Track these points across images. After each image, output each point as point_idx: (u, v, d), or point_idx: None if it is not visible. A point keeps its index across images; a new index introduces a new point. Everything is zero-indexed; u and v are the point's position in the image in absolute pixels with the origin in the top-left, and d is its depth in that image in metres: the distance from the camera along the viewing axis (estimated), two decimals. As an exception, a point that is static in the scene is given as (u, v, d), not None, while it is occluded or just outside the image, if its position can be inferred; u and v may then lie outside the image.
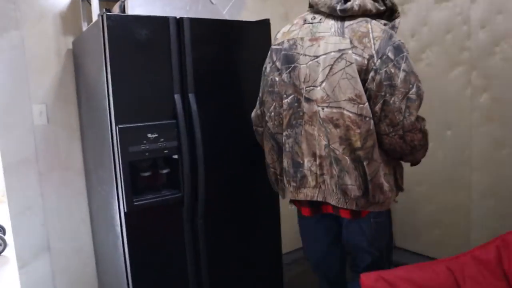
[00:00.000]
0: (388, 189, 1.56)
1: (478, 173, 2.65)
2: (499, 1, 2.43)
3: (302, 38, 1.61)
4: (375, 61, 1.45)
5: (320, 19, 1.60)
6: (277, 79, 1.66)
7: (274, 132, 1.73)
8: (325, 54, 1.51)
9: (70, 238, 2.35)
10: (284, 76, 1.63)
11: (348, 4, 1.53)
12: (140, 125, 1.72)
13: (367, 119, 1.47)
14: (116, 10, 2.04)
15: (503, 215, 2.55)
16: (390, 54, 1.45)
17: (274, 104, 1.69)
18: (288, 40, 1.66)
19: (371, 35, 1.47)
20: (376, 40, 1.46)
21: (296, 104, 1.61)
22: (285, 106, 1.64)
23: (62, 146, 2.28)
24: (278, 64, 1.66)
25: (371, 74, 1.46)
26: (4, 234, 3.81)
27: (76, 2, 2.22)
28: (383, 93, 1.46)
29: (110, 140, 1.72)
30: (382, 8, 1.61)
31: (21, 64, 2.13)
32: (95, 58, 1.81)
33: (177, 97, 1.80)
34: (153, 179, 1.86)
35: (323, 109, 1.52)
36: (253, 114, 1.89)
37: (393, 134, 1.51)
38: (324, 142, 1.55)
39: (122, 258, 1.80)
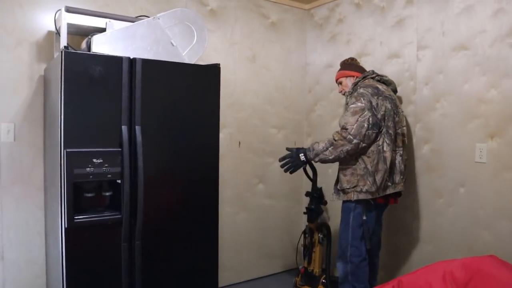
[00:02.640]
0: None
1: (419, 219, 2.81)
2: (441, 62, 2.67)
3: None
4: None
5: None
6: None
7: None
8: None
9: (25, 249, 2.50)
10: None
11: None
12: (86, 151, 1.92)
13: None
14: (83, 45, 2.28)
15: (438, 260, 2.67)
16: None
17: None
18: None
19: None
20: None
21: None
22: None
23: (26, 162, 2.47)
24: None
25: None
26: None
27: (52, 34, 2.47)
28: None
29: (59, 161, 1.91)
30: None
31: (-6, 86, 2.35)
32: (55, 86, 2.03)
33: (124, 128, 2.00)
34: (97, 200, 2.03)
35: None
36: None
37: None
38: None
39: (61, 271, 1.95)
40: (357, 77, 2.71)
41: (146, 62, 2.06)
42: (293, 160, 2.57)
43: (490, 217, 2.43)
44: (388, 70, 2.97)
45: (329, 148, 2.41)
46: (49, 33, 2.50)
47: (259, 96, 3.41)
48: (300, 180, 3.70)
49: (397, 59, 2.94)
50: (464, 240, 2.55)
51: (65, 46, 1.89)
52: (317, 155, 2.46)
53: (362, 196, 2.44)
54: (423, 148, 2.79)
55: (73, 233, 1.92)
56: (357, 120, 2.37)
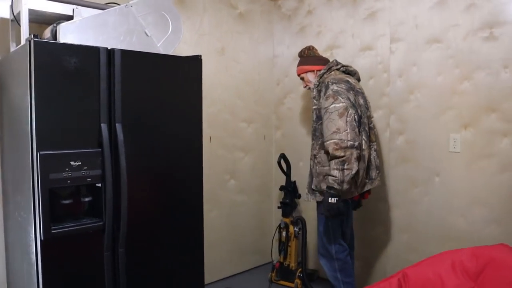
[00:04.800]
0: None
1: (394, 209, 2.87)
2: (414, 54, 2.72)
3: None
4: None
5: None
6: None
7: None
8: None
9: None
10: None
11: None
12: (63, 152, 1.71)
13: None
14: (47, 34, 2.03)
15: (415, 249, 2.76)
16: None
17: None
18: None
19: None
20: None
21: None
22: None
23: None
24: None
25: None
26: None
27: (5, 22, 2.18)
28: None
29: (31, 165, 1.69)
30: None
31: None
32: (20, 82, 1.78)
33: (103, 126, 1.81)
34: (75, 207, 1.83)
35: None
36: None
37: None
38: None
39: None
40: (318, 70, 2.61)
41: (125, 53, 1.88)
42: (333, 211, 2.26)
43: (464, 204, 2.53)
44: (361, 63, 2.98)
45: (345, 167, 2.21)
46: (2, 21, 2.21)
47: (229, 90, 3.30)
48: (270, 174, 3.65)
49: (369, 51, 2.96)
50: (439, 228, 2.64)
51: (34, 35, 1.66)
52: (342, 183, 2.22)
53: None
54: (397, 140, 2.84)
55: (50, 246, 1.71)
56: (346, 122, 2.25)
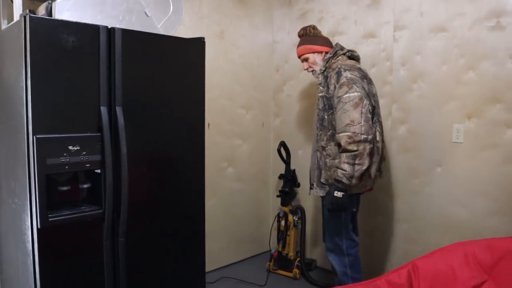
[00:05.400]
0: None
1: (395, 199, 2.84)
2: (418, 43, 2.67)
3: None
4: None
5: None
6: None
7: None
8: None
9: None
10: None
11: None
12: (60, 136, 1.63)
13: None
14: (41, 11, 1.92)
15: (415, 239, 2.75)
16: None
17: None
18: None
19: None
20: None
21: None
22: None
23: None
24: None
25: None
26: None
27: (-4, -2, 2.07)
28: None
29: (26, 150, 1.60)
30: None
31: None
32: (14, 60, 1.68)
33: (103, 109, 1.73)
34: (73, 193, 1.75)
35: None
36: None
37: None
38: None
39: (32, 278, 1.66)
40: (326, 52, 2.43)
41: (126, 32, 1.79)
42: (337, 205, 2.19)
43: (466, 195, 2.51)
44: (363, 50, 2.92)
45: (356, 162, 2.11)
46: (-8, -4, 2.09)
47: (228, 75, 3.22)
48: (268, 162, 3.60)
49: (372, 39, 2.90)
50: (440, 218, 2.63)
51: (29, 10, 1.55)
52: (351, 178, 2.13)
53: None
54: (399, 129, 2.80)
55: (47, 234, 1.63)
56: (361, 113, 2.11)
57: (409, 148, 2.76)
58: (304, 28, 2.52)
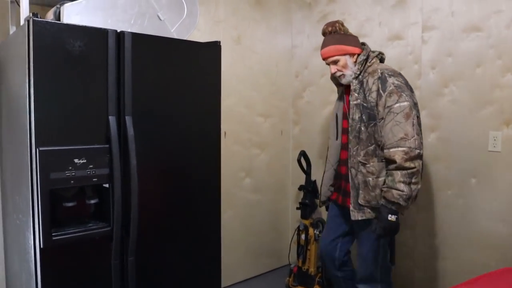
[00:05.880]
0: None
1: (424, 212, 2.64)
2: (449, 44, 2.48)
3: None
4: None
5: None
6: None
7: None
8: None
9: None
10: None
11: None
12: (65, 149, 1.51)
13: None
14: (50, 16, 1.83)
15: (447, 256, 2.54)
16: None
17: None
18: None
19: None
20: None
21: None
22: None
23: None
24: None
25: None
26: None
27: (4, 3, 1.98)
28: None
29: (29, 164, 1.49)
30: None
31: None
32: (18, 67, 1.58)
33: (111, 119, 1.61)
34: (79, 210, 1.63)
35: None
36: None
37: None
38: None
39: (35, 301, 1.54)
40: (358, 54, 2.14)
41: (136, 37, 1.67)
42: (390, 228, 1.96)
43: (506, 209, 2.29)
44: (389, 53, 2.75)
45: (413, 181, 1.90)
46: (1, 1, 2.00)
47: (245, 82, 3.08)
48: (287, 172, 3.44)
49: (399, 41, 2.72)
50: (475, 233, 2.42)
51: (33, 13, 1.45)
52: (409, 199, 1.90)
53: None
54: (429, 137, 2.61)
55: (51, 254, 1.51)
56: (413, 125, 1.91)
57: (440, 157, 2.56)
58: (332, 25, 2.17)
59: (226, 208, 2.98)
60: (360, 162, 2.05)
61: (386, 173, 1.98)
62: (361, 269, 2.17)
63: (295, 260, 3.10)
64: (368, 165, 2.03)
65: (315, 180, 3.07)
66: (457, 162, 2.48)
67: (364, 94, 2.05)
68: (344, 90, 2.28)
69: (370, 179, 2.02)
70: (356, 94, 2.08)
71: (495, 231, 2.33)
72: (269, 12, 3.22)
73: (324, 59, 2.20)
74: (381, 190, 1.99)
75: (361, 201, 2.05)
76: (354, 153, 2.08)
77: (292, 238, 3.15)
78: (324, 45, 2.18)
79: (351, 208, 2.09)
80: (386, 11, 2.78)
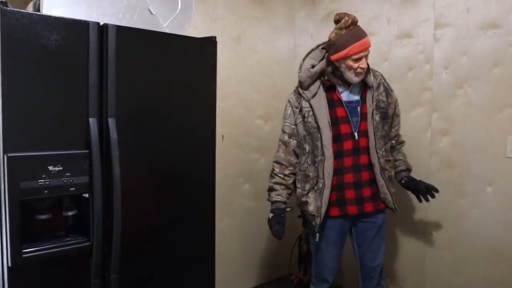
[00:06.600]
0: None
1: (435, 222, 2.47)
2: (464, 42, 2.31)
3: None
4: None
5: None
6: None
7: None
8: None
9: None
10: None
11: None
12: (38, 154, 1.34)
13: None
14: (29, 9, 1.67)
15: (459, 270, 2.36)
16: None
17: None
18: None
19: None
20: None
21: None
22: None
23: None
24: None
25: None
26: None
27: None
28: None
29: (-4, 171, 1.32)
30: None
31: None
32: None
33: (92, 121, 1.44)
34: (54, 223, 1.46)
35: None
36: None
37: None
38: None
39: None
40: None
41: (121, 30, 1.50)
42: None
43: (525, 220, 2.12)
44: (398, 52, 2.58)
45: None
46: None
47: (244, 83, 2.91)
48: (289, 178, 3.26)
49: (409, 39, 2.55)
50: (491, 245, 2.24)
51: (1, 2, 1.29)
52: None
53: None
54: (441, 141, 2.43)
55: (21, 273, 1.34)
56: None
57: (453, 163, 2.38)
58: (353, 17, 1.95)
59: (224, 216, 2.81)
60: (386, 160, 2.13)
61: (395, 152, 2.25)
62: (377, 261, 2.15)
63: (296, 271, 2.94)
64: (389, 162, 2.17)
65: (318, 187, 2.89)
66: (472, 169, 2.31)
67: (378, 93, 2.09)
68: (337, 90, 2.06)
69: (391, 175, 2.18)
70: (377, 93, 2.07)
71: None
72: (271, 10, 3.06)
73: (363, 50, 1.94)
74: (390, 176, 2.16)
75: (392, 189, 2.13)
76: (384, 153, 2.10)
77: (293, 248, 2.98)
78: (362, 35, 1.95)
79: (391, 203, 2.10)
80: (395, 7, 2.61)
